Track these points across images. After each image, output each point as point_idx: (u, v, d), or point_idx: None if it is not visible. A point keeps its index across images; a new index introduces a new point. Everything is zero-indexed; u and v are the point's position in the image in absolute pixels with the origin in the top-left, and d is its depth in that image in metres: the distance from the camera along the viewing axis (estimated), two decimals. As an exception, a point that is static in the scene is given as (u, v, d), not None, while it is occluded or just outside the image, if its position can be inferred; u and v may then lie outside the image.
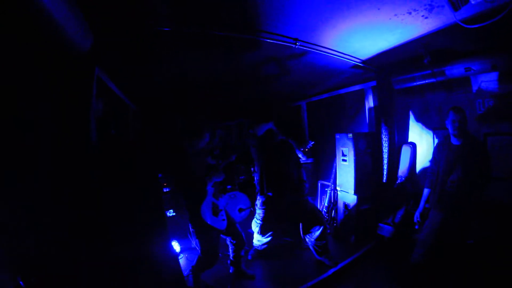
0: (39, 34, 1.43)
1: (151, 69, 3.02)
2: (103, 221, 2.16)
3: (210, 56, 2.79)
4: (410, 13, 2.03)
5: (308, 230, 3.35)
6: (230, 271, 3.20)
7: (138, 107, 4.44)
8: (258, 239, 3.56)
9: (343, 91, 4.82)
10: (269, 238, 3.50)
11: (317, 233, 3.27)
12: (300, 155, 4.49)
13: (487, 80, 2.95)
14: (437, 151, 2.82)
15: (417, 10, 1.98)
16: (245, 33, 2.23)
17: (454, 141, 2.65)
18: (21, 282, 1.09)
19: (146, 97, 4.24)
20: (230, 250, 3.15)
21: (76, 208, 1.80)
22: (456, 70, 2.94)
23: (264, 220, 3.44)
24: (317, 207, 3.66)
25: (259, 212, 3.49)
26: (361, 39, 2.59)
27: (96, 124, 2.10)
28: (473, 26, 1.77)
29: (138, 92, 3.75)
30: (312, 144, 4.01)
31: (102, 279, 2.05)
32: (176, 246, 3.60)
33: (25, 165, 1.32)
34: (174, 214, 4.13)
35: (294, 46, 2.50)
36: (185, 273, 2.96)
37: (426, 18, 2.08)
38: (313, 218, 3.34)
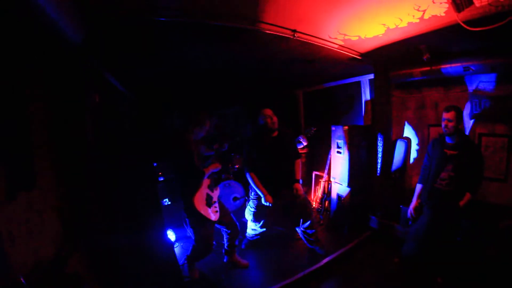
0: (27, 27, 1.37)
1: (149, 58, 2.96)
2: (101, 212, 2.18)
3: (208, 45, 2.73)
4: (412, 9, 2.01)
5: (297, 223, 3.37)
6: (224, 260, 3.26)
7: (135, 95, 4.36)
8: (252, 228, 3.54)
9: (340, 82, 4.80)
10: (263, 229, 3.49)
11: (306, 224, 3.32)
12: (301, 140, 4.50)
13: (486, 81, 2.94)
14: (431, 147, 2.85)
15: (420, 7, 1.96)
16: (243, 23, 2.18)
17: (448, 139, 2.68)
18: (23, 281, 1.10)
19: (144, 86, 4.16)
20: (225, 239, 3.19)
21: (75, 204, 1.80)
22: (454, 68, 2.93)
23: (257, 208, 3.38)
24: (308, 200, 3.61)
25: (253, 200, 3.43)
26: (360, 33, 2.56)
27: (90, 118, 2.07)
28: (476, 29, 1.76)
29: (135, 80, 3.68)
30: (314, 130, 3.95)
31: (99, 269, 2.09)
32: (171, 235, 3.63)
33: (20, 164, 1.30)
34: (169, 203, 4.14)
35: (292, 37, 2.46)
36: (181, 262, 3.02)
37: (428, 16, 2.05)
38: (303, 213, 3.33)
